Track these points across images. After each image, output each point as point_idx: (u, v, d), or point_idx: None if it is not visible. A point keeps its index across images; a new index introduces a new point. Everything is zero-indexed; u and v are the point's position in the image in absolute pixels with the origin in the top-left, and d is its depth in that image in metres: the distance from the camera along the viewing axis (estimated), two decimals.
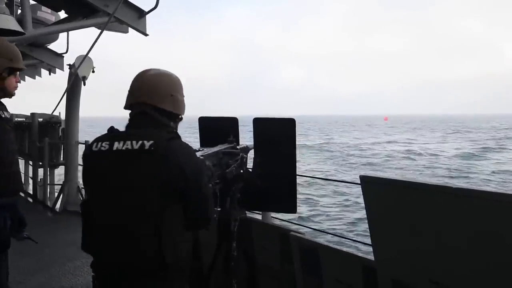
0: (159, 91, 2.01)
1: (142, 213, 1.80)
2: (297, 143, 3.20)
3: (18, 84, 2.79)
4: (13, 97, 2.77)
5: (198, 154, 2.27)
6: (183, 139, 1.96)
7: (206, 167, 2.16)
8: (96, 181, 1.94)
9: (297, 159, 3.25)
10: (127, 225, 1.82)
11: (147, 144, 1.83)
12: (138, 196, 1.81)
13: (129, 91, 2.07)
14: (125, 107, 2.07)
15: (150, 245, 1.79)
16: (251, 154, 3.23)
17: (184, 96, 2.14)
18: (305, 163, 31.60)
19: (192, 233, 1.99)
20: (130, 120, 2.03)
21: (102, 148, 1.90)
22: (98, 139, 1.95)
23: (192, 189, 1.88)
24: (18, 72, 2.75)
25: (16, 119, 10.34)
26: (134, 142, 1.85)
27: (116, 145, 1.87)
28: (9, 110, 2.75)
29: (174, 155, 1.83)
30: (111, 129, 1.99)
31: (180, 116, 2.13)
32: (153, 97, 2.00)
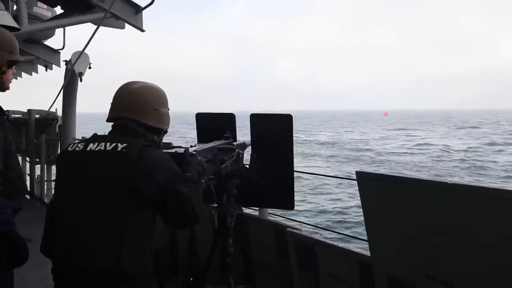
0: (143, 106, 2.01)
1: (103, 215, 1.78)
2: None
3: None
4: (8, 91, 2.67)
5: (191, 149, 2.27)
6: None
7: (197, 161, 2.16)
8: (65, 180, 1.94)
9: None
10: (88, 227, 1.80)
11: (120, 146, 1.84)
12: (102, 196, 1.80)
13: (112, 103, 2.07)
14: (108, 120, 2.07)
15: (109, 251, 1.76)
16: (248, 150, 3.23)
17: (168, 109, 2.14)
18: (314, 160, 31.54)
19: (172, 236, 1.99)
20: (112, 129, 2.04)
21: (77, 149, 1.92)
22: (77, 142, 1.98)
23: (170, 194, 1.86)
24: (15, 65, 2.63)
25: (12, 115, 10.29)
26: (108, 144, 1.86)
27: (90, 146, 1.89)
28: (4, 106, 2.66)
29: (147, 161, 1.83)
30: (94, 135, 2.00)
31: (164, 130, 2.13)
32: (136, 112, 2.00)
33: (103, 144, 1.87)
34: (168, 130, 2.21)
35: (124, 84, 2.09)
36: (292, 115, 3.22)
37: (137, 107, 2.00)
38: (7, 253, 2.39)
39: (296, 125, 3.25)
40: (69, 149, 1.96)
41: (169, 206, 1.88)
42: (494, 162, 31.04)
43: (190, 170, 2.04)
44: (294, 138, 3.26)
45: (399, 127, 79.96)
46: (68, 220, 1.85)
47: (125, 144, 1.84)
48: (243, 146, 3.08)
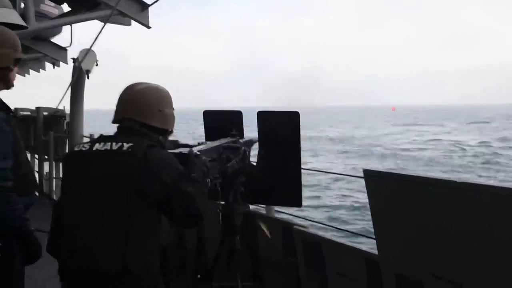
0: (147, 107, 2.01)
1: (109, 215, 1.79)
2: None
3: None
4: (16, 89, 2.70)
5: (196, 149, 2.27)
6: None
7: (202, 162, 2.16)
8: (72, 180, 1.95)
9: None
10: (93, 227, 1.80)
11: (126, 146, 1.85)
12: (108, 195, 1.81)
13: (117, 105, 2.07)
14: (113, 121, 2.07)
15: (114, 250, 1.77)
16: (256, 147, 3.22)
17: (173, 109, 2.13)
18: (325, 156, 31.36)
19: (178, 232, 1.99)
20: (117, 130, 2.05)
21: (83, 149, 1.94)
22: (83, 142, 2.01)
23: (175, 194, 1.87)
24: None
25: (21, 113, 10.37)
26: (114, 143, 1.87)
27: (96, 146, 1.91)
28: (13, 103, 2.69)
29: (152, 161, 1.83)
30: (100, 136, 2.01)
31: (169, 130, 2.13)
32: (141, 113, 2.00)
33: (109, 144, 1.88)
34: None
35: (128, 86, 2.09)
36: (299, 112, 3.21)
37: (141, 108, 2.01)
38: (20, 249, 2.42)
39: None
40: (76, 149, 1.97)
41: (174, 206, 1.89)
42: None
43: (195, 171, 2.04)
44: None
45: (410, 122, 79.04)
46: (74, 220, 1.87)
47: (130, 144, 1.85)
48: (250, 143, 3.07)
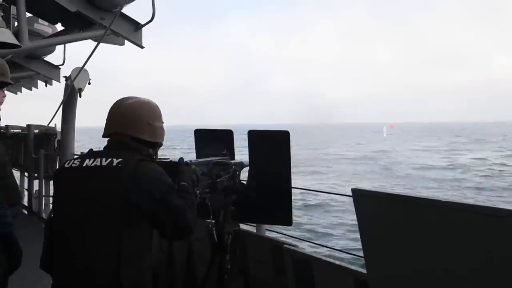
0: (137, 122, 2.04)
1: (101, 230, 1.80)
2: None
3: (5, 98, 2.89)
4: (8, 106, 2.84)
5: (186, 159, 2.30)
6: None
7: (192, 170, 2.18)
8: (63, 196, 1.96)
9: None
10: (86, 243, 1.81)
11: (116, 161, 1.87)
12: (99, 211, 1.81)
13: (107, 120, 2.10)
14: (104, 136, 2.09)
15: (108, 266, 1.77)
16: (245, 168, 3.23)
17: (163, 122, 2.17)
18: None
19: (167, 247, 1.99)
20: (108, 144, 2.07)
21: (73, 165, 1.95)
22: (73, 158, 2.01)
23: (164, 208, 1.89)
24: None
25: (12, 130, 10.31)
26: (103, 159, 1.89)
27: (86, 162, 1.92)
28: (6, 121, 2.82)
29: (141, 175, 1.85)
30: (90, 151, 2.03)
31: (159, 143, 2.16)
32: (131, 127, 2.03)
33: (98, 159, 1.90)
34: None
35: (118, 100, 2.12)
36: (293, 131, 3.23)
37: (131, 122, 2.03)
38: (7, 255, 2.47)
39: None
40: (66, 165, 1.98)
41: (163, 219, 1.90)
42: None
43: (184, 179, 2.06)
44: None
45: (419, 139, 78.44)
46: (67, 236, 1.87)
47: (120, 159, 1.87)
48: (241, 165, 3.09)
